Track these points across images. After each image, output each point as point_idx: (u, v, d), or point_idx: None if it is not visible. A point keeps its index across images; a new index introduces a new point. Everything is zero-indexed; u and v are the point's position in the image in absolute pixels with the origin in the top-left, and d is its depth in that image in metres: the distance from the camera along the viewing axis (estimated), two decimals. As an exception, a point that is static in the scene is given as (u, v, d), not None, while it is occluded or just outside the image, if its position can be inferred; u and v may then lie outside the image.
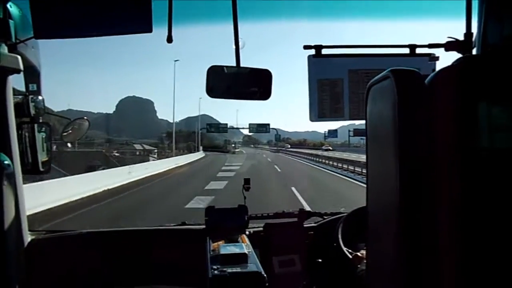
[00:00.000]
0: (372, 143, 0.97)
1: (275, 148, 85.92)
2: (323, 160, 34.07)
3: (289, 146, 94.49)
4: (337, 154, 40.61)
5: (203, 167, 31.97)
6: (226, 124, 66.84)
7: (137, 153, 66.39)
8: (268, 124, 63.76)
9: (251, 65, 1.71)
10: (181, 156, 43.99)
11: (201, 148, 66.81)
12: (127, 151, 66.28)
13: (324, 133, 77.78)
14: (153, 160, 39.89)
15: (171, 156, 47.20)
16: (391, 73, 0.83)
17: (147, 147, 77.93)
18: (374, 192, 0.98)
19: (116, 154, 58.82)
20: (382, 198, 0.91)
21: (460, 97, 0.77)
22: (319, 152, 47.52)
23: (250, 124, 63.51)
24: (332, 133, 68.01)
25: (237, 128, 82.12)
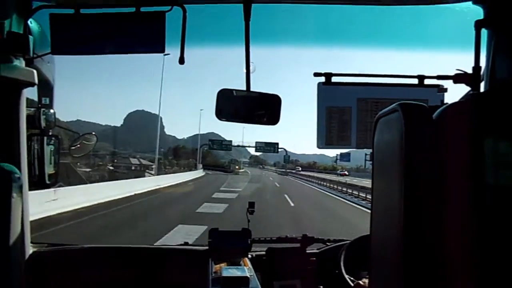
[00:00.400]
0: (378, 174, 0.98)
1: (283, 170, 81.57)
2: (345, 189, 25.75)
3: (300, 169, 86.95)
4: (355, 181, 30.74)
5: (189, 192, 23.58)
6: (231, 141, 63.19)
7: (133, 167, 62.11)
8: (277, 144, 59.90)
9: (261, 89, 1.73)
10: (181, 173, 41.90)
11: (200, 166, 63.45)
12: (121, 165, 61.96)
13: (336, 157, 75.74)
14: (149, 176, 37.89)
15: (170, 173, 45.40)
16: (399, 106, 0.84)
17: (144, 161, 72.02)
18: (378, 221, 0.97)
19: (110, 168, 56.05)
20: (386, 227, 0.91)
21: (468, 133, 0.78)
22: (334, 177, 39.78)
23: (257, 143, 59.72)
24: (345, 156, 64.42)
25: (243, 146, 76.63)
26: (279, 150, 63.82)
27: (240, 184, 32.20)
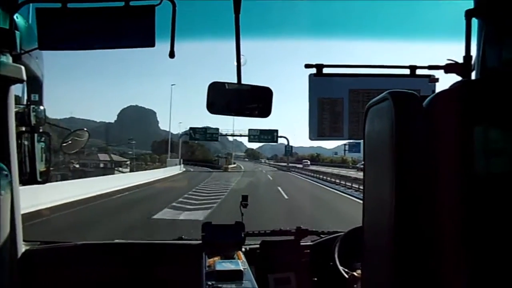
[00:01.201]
0: (369, 163, 0.98)
1: (283, 165, 63.26)
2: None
3: (309, 163, 66.68)
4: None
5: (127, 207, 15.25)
6: (217, 129, 51.64)
7: (101, 165, 56.01)
8: (276, 131, 48.34)
9: (252, 81, 1.72)
10: (154, 170, 37.36)
11: (173, 161, 52.18)
12: (89, 162, 54.70)
13: (344, 147, 64.49)
14: (117, 174, 35.41)
15: (150, 169, 42.58)
16: (390, 95, 0.84)
17: (116, 157, 64.25)
18: (370, 211, 0.98)
19: (76, 166, 51.27)
20: (378, 218, 0.91)
21: (458, 121, 0.78)
22: (354, 173, 29.94)
23: (250, 131, 47.43)
24: (354, 146, 49.29)
25: (232, 135, 63.54)
26: (279, 138, 51.44)
27: (220, 188, 23.15)
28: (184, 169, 48.06)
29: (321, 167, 51.05)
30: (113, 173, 37.27)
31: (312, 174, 37.19)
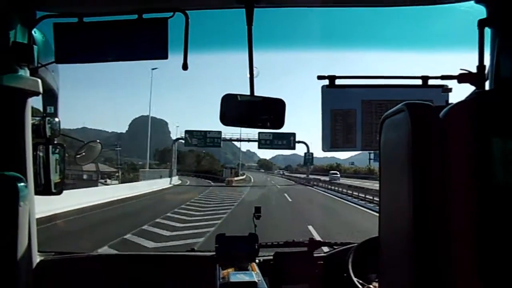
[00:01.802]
0: (385, 175, 0.97)
1: (302, 177, 54.14)
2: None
3: (339, 175, 54.76)
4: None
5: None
6: (219, 132, 42.57)
7: (85, 176, 47.89)
8: (293, 135, 40.17)
9: (265, 92, 1.71)
10: (141, 182, 32.17)
11: (173, 172, 47.35)
12: (70, 174, 41.41)
13: (369, 156, 52.79)
14: (100, 186, 32.07)
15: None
16: (406, 106, 0.84)
17: (105, 168, 59.81)
18: (387, 223, 0.97)
19: None
20: (395, 229, 0.91)
21: (475, 132, 0.77)
22: None
23: (260, 134, 39.75)
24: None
25: (238, 140, 54.03)
26: (297, 144, 42.16)
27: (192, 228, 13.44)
28: (176, 183, 42.00)
29: (354, 181, 40.26)
30: (96, 185, 33.66)
31: (352, 193, 24.90)
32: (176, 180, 45.09)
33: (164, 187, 34.12)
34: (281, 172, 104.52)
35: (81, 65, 1.81)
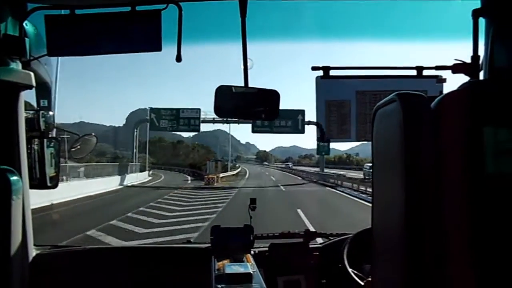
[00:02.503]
0: (378, 165, 0.97)
1: (312, 171, 43.17)
2: None
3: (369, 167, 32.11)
4: None
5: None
6: (197, 111, 32.62)
7: None
8: (301, 113, 29.47)
9: (259, 85, 1.72)
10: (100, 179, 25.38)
11: (137, 165, 38.04)
12: None
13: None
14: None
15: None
16: (397, 96, 0.84)
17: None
18: (379, 213, 0.97)
19: None
20: (387, 219, 0.91)
21: (466, 121, 0.77)
22: None
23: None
24: None
25: (224, 122, 35.88)
26: (306, 126, 29.93)
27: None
28: (137, 181, 32.80)
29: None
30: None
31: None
32: (144, 176, 36.87)
33: (106, 190, 23.97)
34: (290, 165, 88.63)
35: (77, 59, 1.80)
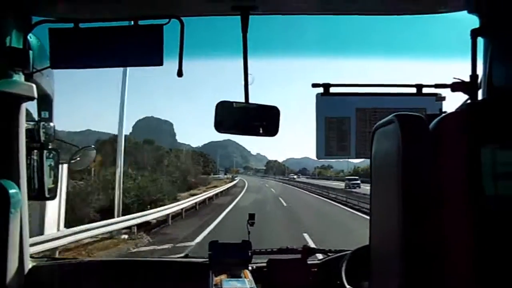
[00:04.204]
0: (376, 184, 0.98)
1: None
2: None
3: None
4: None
5: None
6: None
7: None
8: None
9: (259, 101, 1.72)
10: None
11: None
12: None
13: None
14: None
15: None
16: (396, 117, 0.85)
17: None
18: (377, 231, 0.97)
19: None
20: (385, 237, 0.91)
21: (465, 143, 0.78)
22: None
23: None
24: None
25: None
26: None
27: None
28: None
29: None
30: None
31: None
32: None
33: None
34: (295, 177, 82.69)
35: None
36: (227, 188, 38.67)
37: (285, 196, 30.75)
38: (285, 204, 25.47)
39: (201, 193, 27.99)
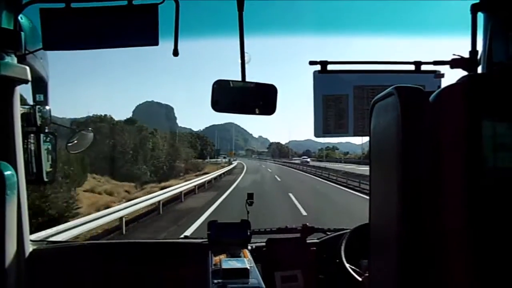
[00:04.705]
0: (375, 159, 0.97)
1: None
2: None
3: None
4: None
5: None
6: None
7: None
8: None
9: (257, 80, 1.70)
10: None
11: None
12: None
13: None
14: None
15: None
16: (395, 90, 0.84)
17: None
18: (377, 208, 0.97)
19: None
20: (384, 214, 0.91)
21: (464, 115, 0.77)
22: None
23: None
24: None
25: None
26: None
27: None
28: None
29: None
30: None
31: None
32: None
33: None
34: (309, 160, 72.27)
35: (84, 53, 1.77)
36: (219, 175, 31.20)
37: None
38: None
39: (179, 183, 21.04)
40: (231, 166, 47.90)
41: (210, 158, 76.52)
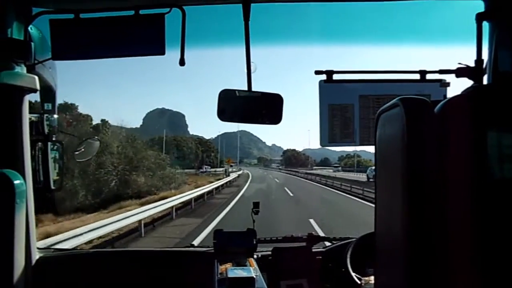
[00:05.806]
0: (380, 169, 0.97)
1: None
2: None
3: None
4: None
5: None
6: None
7: None
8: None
9: (262, 89, 1.71)
10: None
11: None
12: None
13: None
14: None
15: None
16: (400, 101, 0.84)
17: None
18: (382, 217, 0.97)
19: None
20: (390, 223, 0.91)
21: (470, 126, 0.77)
22: None
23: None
24: None
25: None
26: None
27: None
28: None
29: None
30: None
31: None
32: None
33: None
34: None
35: (97, 63, 1.79)
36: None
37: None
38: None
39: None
40: (225, 181, 32.67)
41: (212, 167, 66.90)
